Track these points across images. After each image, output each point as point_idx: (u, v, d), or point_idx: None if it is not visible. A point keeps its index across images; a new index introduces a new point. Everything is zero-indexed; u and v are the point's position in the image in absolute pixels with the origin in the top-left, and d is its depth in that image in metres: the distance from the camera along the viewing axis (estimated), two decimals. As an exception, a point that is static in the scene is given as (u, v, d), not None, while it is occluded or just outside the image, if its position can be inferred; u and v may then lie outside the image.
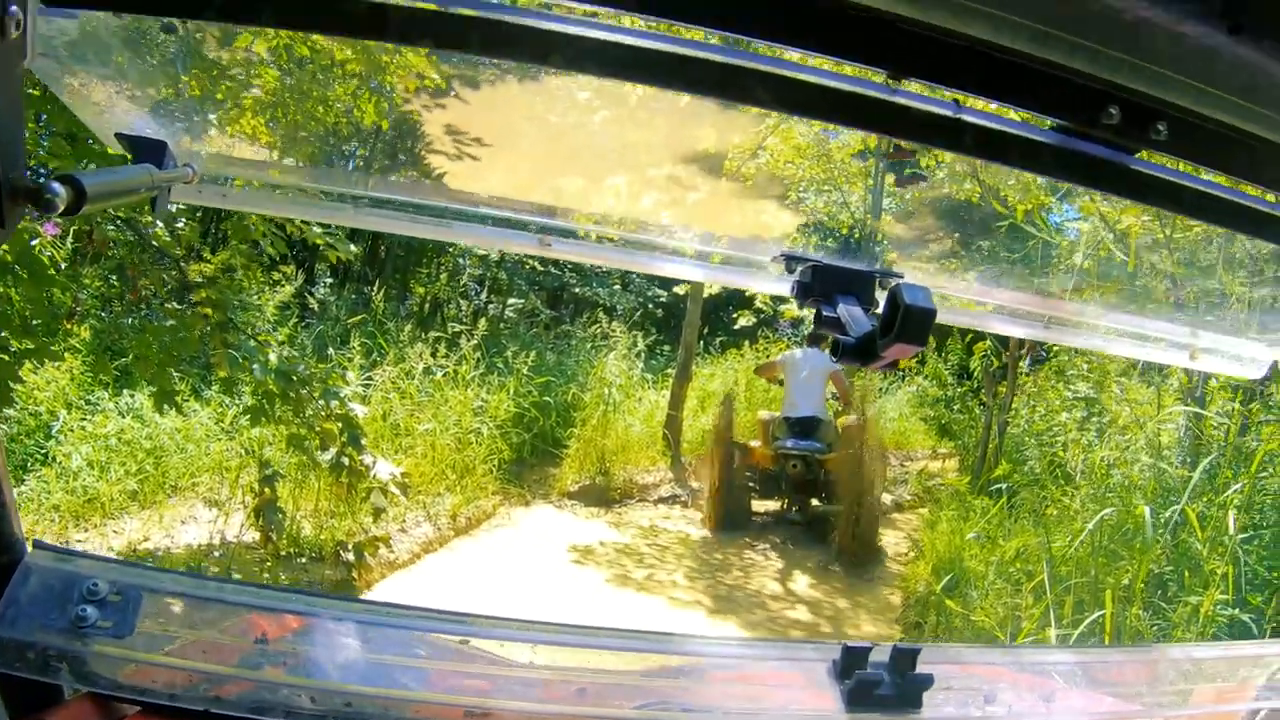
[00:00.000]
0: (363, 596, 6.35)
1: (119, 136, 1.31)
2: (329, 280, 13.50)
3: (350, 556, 6.29)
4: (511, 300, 16.15)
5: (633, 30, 0.99)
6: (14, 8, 0.78)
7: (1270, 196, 1.19)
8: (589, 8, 0.96)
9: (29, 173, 0.85)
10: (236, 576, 6.15)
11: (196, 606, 1.20)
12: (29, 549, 1.11)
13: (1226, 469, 5.46)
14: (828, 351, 1.27)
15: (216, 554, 6.43)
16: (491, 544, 8.58)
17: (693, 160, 1.64)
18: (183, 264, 6.05)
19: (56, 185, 0.84)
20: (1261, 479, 5.35)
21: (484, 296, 16.33)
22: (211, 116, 1.59)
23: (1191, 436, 6.22)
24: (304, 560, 6.79)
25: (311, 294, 12.15)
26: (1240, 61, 0.80)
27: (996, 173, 4.23)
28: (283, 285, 9.44)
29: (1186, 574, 5.06)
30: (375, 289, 12.62)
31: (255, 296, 8.47)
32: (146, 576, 1.19)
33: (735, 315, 14.02)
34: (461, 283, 15.86)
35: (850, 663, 1.27)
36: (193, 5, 0.98)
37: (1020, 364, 10.77)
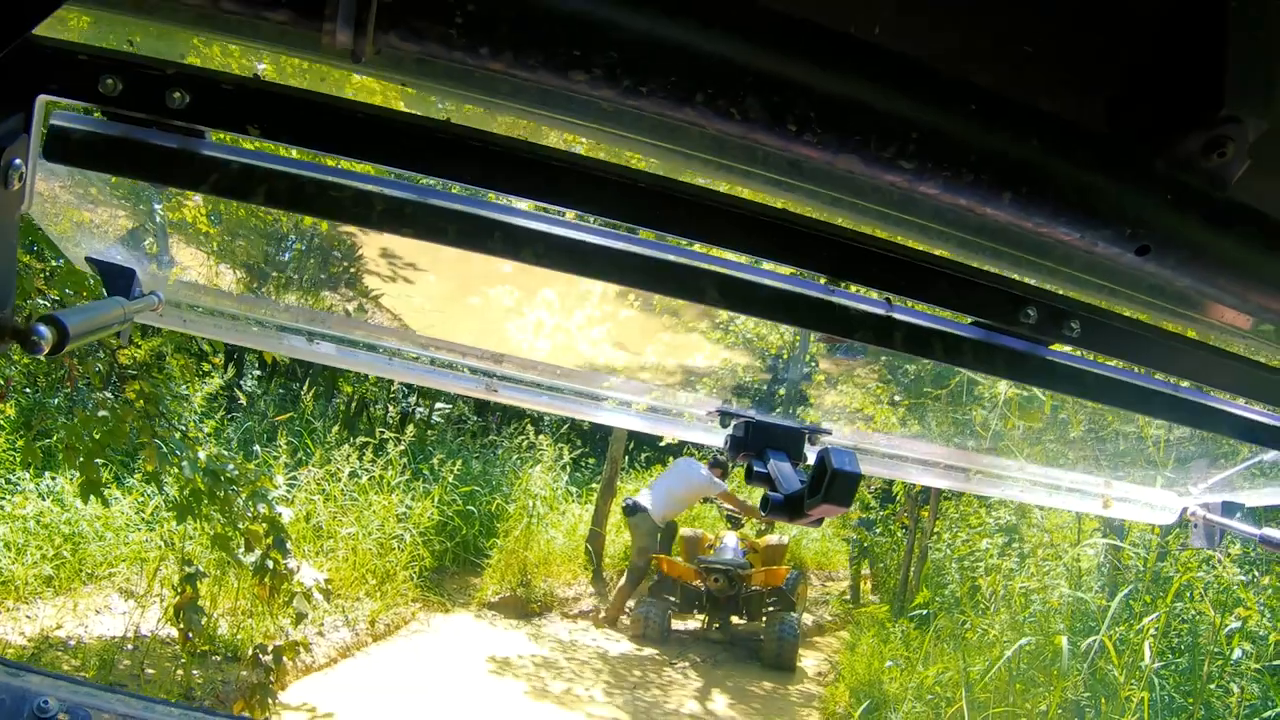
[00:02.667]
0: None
1: (89, 261, 1.32)
2: (257, 373, 13.27)
3: (269, 659, 6.09)
4: (439, 405, 16.05)
5: (596, 229, 1.07)
6: (18, 160, 0.83)
7: (1182, 382, 1.31)
8: (564, 210, 1.03)
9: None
10: (150, 672, 5.92)
11: (143, 729, 1.19)
12: None
13: (1145, 595, 5.66)
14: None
15: (130, 647, 6.18)
16: (409, 651, 8.40)
17: (636, 314, 1.76)
18: (114, 350, 5.98)
19: (42, 327, 0.85)
20: (1177, 607, 5.51)
21: (412, 400, 16.22)
22: (176, 244, 1.62)
23: (1110, 564, 6.44)
24: (219, 659, 6.56)
25: (240, 387, 11.96)
26: (1147, 274, 0.88)
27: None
28: (212, 377, 9.31)
29: (1103, 701, 5.19)
30: (304, 386, 12.48)
31: (184, 387, 8.33)
32: (96, 696, 1.20)
33: (661, 431, 14.00)
34: (390, 385, 15.72)
35: None
36: (188, 180, 0.99)
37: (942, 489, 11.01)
